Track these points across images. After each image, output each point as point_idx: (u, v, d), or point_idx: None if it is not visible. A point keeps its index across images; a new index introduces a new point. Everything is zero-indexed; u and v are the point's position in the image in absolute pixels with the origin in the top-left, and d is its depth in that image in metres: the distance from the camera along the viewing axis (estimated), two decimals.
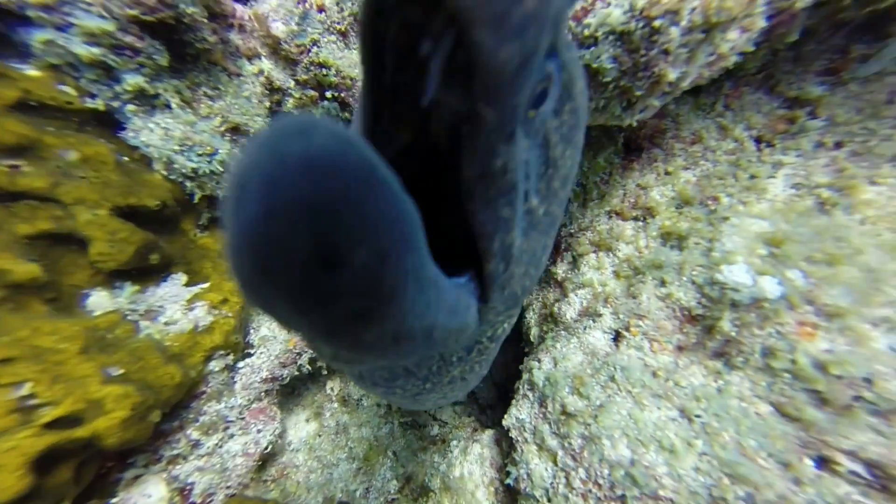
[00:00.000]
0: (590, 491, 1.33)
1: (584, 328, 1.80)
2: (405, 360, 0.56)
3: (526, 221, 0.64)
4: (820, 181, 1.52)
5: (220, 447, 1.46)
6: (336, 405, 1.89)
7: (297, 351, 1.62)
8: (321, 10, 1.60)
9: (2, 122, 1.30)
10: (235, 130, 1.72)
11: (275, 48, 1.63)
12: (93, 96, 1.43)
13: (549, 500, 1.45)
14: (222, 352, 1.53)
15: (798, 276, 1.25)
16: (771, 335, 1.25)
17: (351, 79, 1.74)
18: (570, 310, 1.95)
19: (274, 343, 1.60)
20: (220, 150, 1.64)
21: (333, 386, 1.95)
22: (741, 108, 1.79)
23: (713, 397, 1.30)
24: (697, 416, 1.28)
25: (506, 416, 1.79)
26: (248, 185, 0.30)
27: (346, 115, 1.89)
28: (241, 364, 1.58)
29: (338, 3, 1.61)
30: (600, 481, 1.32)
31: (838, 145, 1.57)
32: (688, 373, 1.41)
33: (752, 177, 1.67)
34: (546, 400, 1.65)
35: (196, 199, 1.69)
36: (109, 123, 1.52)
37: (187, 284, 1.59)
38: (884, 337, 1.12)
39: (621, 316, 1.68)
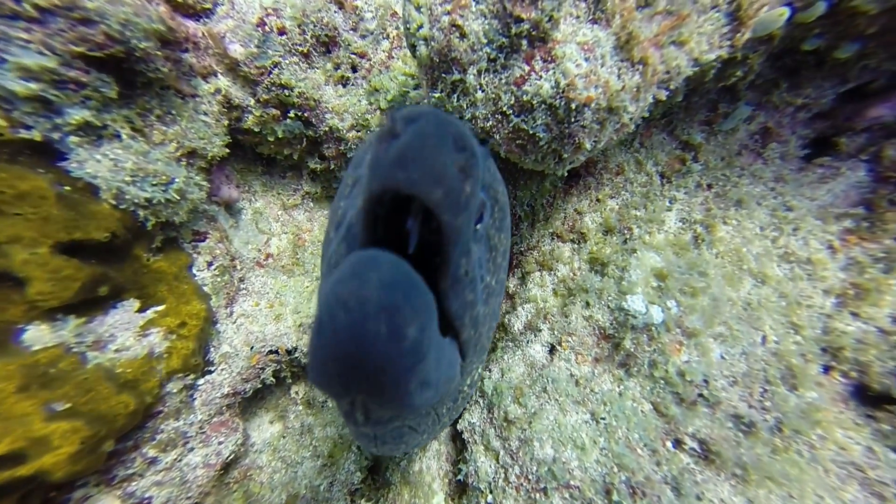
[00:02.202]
0: (521, 484, 1.57)
1: (527, 341, 2.02)
2: (424, 406, 0.71)
3: (485, 293, 0.90)
4: (696, 217, 1.85)
5: (180, 461, 1.47)
6: (301, 408, 1.94)
7: (259, 367, 1.64)
8: (282, 32, 1.59)
9: None
10: (192, 155, 1.65)
11: (232, 67, 1.60)
12: (28, 128, 1.33)
13: (490, 492, 1.67)
14: (180, 374, 1.52)
15: (673, 305, 1.57)
16: (655, 351, 1.56)
17: (314, 100, 1.76)
18: (517, 322, 2.18)
19: (236, 359, 1.61)
20: (176, 179, 1.56)
21: (298, 390, 1.97)
22: (651, 146, 2.05)
23: (615, 400, 1.60)
24: (602, 419, 1.57)
25: (460, 420, 1.99)
26: (345, 302, 0.50)
27: (310, 132, 1.90)
28: (200, 381, 1.57)
29: (300, 27, 1.62)
30: (530, 476, 1.56)
31: (710, 187, 1.91)
32: (601, 380, 1.70)
33: (655, 210, 1.96)
34: (493, 407, 1.85)
35: (149, 226, 1.62)
36: (47, 154, 1.41)
37: (140, 310, 1.52)
38: (718, 348, 1.47)
39: (556, 332, 1.92)
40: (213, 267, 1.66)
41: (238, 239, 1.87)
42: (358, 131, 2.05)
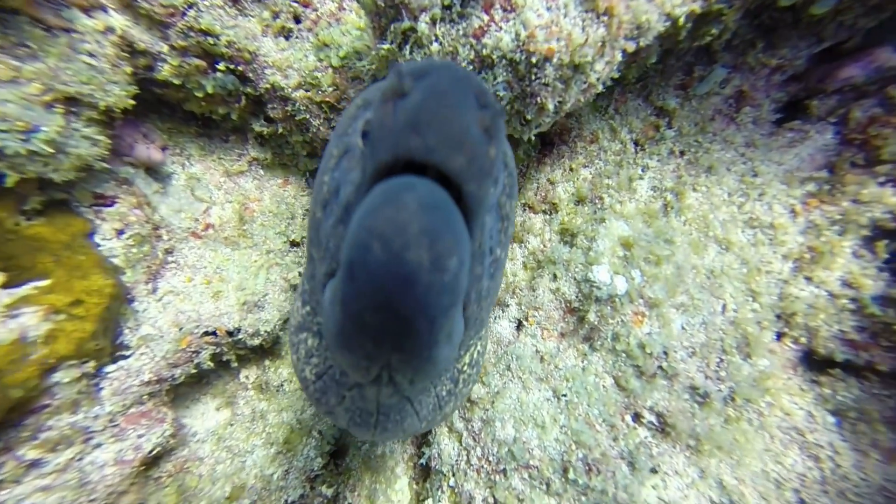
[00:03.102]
0: (482, 466, 1.62)
1: (496, 318, 2.05)
2: (442, 366, 0.68)
3: (493, 267, 0.87)
4: (667, 185, 1.88)
5: (79, 460, 1.34)
6: (252, 393, 1.88)
7: (192, 349, 1.55)
8: None
9: None
10: (73, 102, 1.39)
11: (128, 4, 1.40)
12: None
13: (453, 475, 1.72)
14: (74, 361, 1.35)
15: (637, 274, 1.61)
16: (618, 323, 1.61)
17: (250, 52, 1.61)
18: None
19: (160, 342, 1.50)
20: (42, 127, 1.31)
21: (248, 374, 1.90)
22: (626, 112, 2.03)
23: (578, 376, 1.66)
24: (563, 395, 1.62)
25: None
26: (381, 232, 0.46)
27: (249, 89, 1.76)
28: (109, 369, 1.44)
29: None
30: (490, 458, 1.61)
31: (682, 154, 1.92)
32: (565, 356, 1.75)
33: (630, 179, 1.98)
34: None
35: (8, 182, 1.36)
36: None
37: (6, 285, 1.29)
38: (680, 318, 1.54)
39: (523, 307, 1.95)
40: (124, 236, 1.52)
41: (166, 206, 1.74)
42: (307, 90, 1.91)
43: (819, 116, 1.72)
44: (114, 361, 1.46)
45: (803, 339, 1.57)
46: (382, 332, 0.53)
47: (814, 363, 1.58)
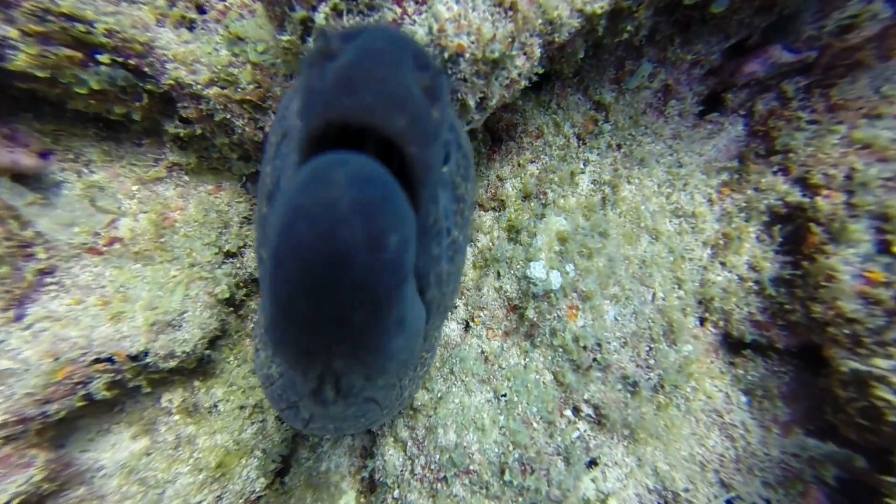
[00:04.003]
0: (425, 475, 1.63)
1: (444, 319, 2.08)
2: (397, 357, 0.64)
3: (452, 250, 0.87)
4: (605, 178, 2.00)
5: None
6: (177, 417, 1.79)
7: (76, 380, 1.44)
8: None
9: None
10: None
11: None
12: None
13: (398, 486, 1.73)
14: None
15: (571, 269, 1.70)
16: (554, 318, 1.70)
17: (141, 43, 1.52)
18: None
19: (24, 377, 1.37)
20: None
21: (172, 398, 1.81)
22: (567, 107, 2.12)
23: (519, 374, 1.72)
24: (503, 396, 1.68)
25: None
26: (306, 211, 0.42)
27: (150, 86, 1.66)
28: None
29: None
30: (433, 466, 1.62)
31: (619, 147, 2.06)
32: (509, 354, 1.80)
33: (572, 173, 2.08)
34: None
35: None
36: None
37: None
38: (612, 309, 1.65)
39: (469, 307, 2.00)
40: None
41: (50, 220, 1.60)
42: (222, 88, 1.84)
43: (733, 109, 1.90)
44: None
45: (721, 323, 1.72)
46: (317, 320, 0.50)
47: (731, 346, 1.74)
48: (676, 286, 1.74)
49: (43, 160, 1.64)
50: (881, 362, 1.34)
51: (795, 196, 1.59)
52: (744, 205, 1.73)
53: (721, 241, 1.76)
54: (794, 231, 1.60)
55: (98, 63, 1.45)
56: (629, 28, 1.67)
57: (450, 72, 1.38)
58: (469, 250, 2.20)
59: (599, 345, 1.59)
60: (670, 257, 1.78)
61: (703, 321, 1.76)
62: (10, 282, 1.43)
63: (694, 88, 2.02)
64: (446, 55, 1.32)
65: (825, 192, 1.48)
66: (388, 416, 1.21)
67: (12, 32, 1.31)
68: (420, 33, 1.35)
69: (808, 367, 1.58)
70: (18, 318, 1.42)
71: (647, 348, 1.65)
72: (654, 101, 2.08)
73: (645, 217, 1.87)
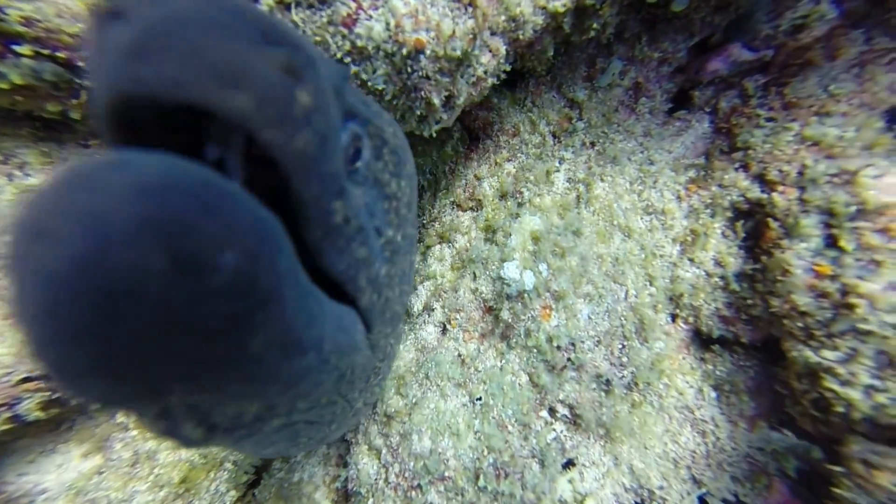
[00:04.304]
0: (399, 484, 1.60)
1: (422, 323, 2.05)
2: (300, 385, 0.54)
3: (388, 251, 0.80)
4: (580, 177, 2.01)
5: None
6: (134, 433, 1.70)
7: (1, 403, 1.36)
8: None
9: None
10: None
11: None
12: None
13: (372, 496, 1.69)
14: None
15: (544, 268, 1.70)
16: (528, 319, 1.69)
17: (70, 35, 1.40)
18: (417, 302, 2.17)
19: None
20: None
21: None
22: (542, 104, 2.13)
23: (496, 376, 1.71)
24: (479, 399, 1.66)
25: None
26: (60, 225, 0.29)
27: (87, 81, 1.56)
28: None
29: None
30: (407, 474, 1.59)
31: (592, 145, 2.07)
32: (485, 356, 1.79)
33: (548, 172, 2.08)
34: (377, 403, 1.86)
35: None
36: None
37: None
38: (586, 308, 1.66)
39: (446, 309, 1.98)
40: None
41: None
42: None
43: (699, 106, 1.95)
44: None
45: (691, 319, 1.77)
46: (121, 369, 0.36)
47: (701, 341, 1.79)
48: (648, 283, 1.77)
49: None
50: (829, 354, 1.39)
51: (755, 192, 1.64)
52: (709, 201, 1.78)
53: (689, 238, 1.80)
54: (754, 226, 1.66)
55: (18, 55, 1.34)
56: (595, 26, 1.69)
57: (411, 69, 1.35)
58: (447, 251, 2.19)
59: (573, 344, 1.60)
60: (642, 254, 1.81)
61: (674, 317, 1.80)
62: None
63: (663, 86, 2.06)
64: (405, 51, 1.29)
65: (780, 188, 1.53)
66: (338, 430, 1.14)
67: None
68: (377, 28, 1.32)
69: (770, 360, 1.64)
70: None
71: (620, 346, 1.68)
72: (626, 99, 2.11)
73: (617, 215, 1.89)
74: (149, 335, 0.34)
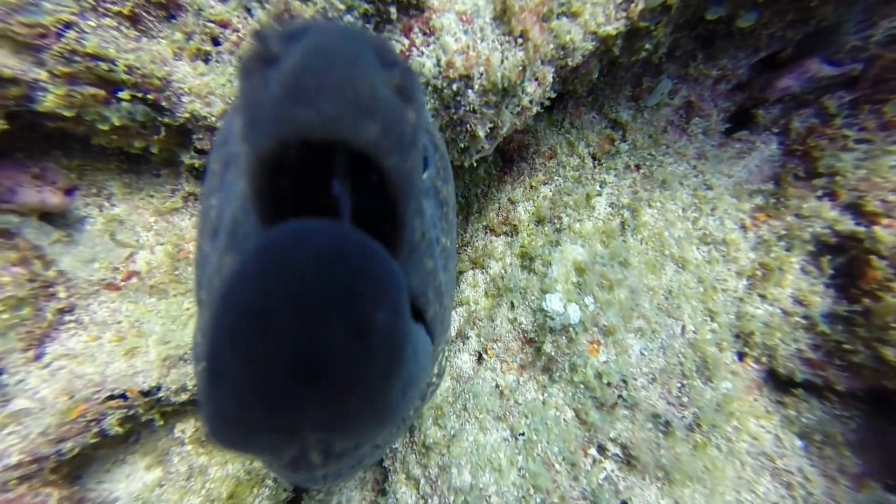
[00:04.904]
0: None
1: (457, 350, 2.01)
2: (402, 413, 0.55)
3: (443, 258, 0.80)
4: (624, 202, 1.90)
5: None
6: (189, 448, 1.79)
7: (89, 418, 1.46)
8: None
9: None
10: None
11: None
12: None
13: None
14: None
15: (590, 301, 1.61)
16: (574, 353, 1.60)
17: (160, 78, 1.55)
18: (450, 328, 2.17)
19: (39, 417, 1.39)
20: None
21: (185, 428, 1.82)
22: (581, 126, 2.06)
23: (538, 410, 1.62)
24: (521, 434, 1.58)
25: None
26: (262, 311, 0.35)
27: (167, 119, 1.71)
28: None
29: None
30: None
31: (638, 167, 1.96)
32: (525, 389, 1.72)
33: (588, 196, 1.99)
34: (415, 430, 1.82)
35: None
36: None
37: None
38: (637, 344, 1.53)
39: (482, 338, 1.93)
40: None
41: (72, 257, 1.65)
42: None
43: (765, 126, 1.77)
44: None
45: (764, 359, 1.58)
46: (290, 426, 0.41)
47: (778, 383, 1.58)
48: (708, 318, 1.61)
49: (68, 197, 1.70)
50: None
51: (847, 224, 1.44)
52: (783, 232, 1.59)
53: (759, 272, 1.63)
54: (847, 263, 1.45)
55: (119, 100, 1.50)
56: (647, 46, 1.61)
57: (459, 103, 1.35)
58: (481, 277, 2.14)
59: (625, 381, 1.49)
60: (700, 287, 1.66)
61: (742, 356, 1.62)
62: (32, 322, 1.47)
63: (719, 105, 1.91)
64: (455, 87, 1.29)
65: (885, 220, 1.33)
66: (386, 450, 1.11)
67: (42, 74, 1.37)
68: (428, 65, 1.33)
69: (881, 413, 1.41)
70: (38, 358, 1.46)
71: (679, 385, 1.53)
72: (676, 119, 1.98)
73: (669, 244, 1.75)
74: (328, 397, 0.39)
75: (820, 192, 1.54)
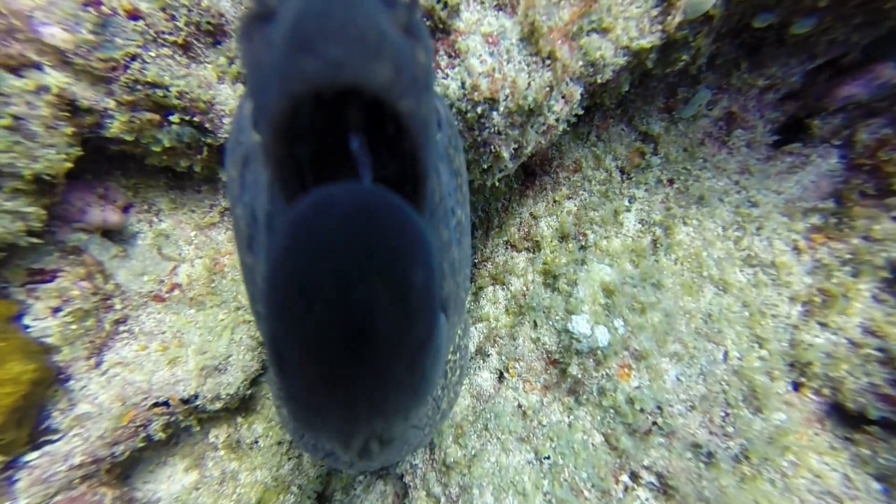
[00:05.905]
0: None
1: (477, 367, 1.96)
2: (433, 386, 0.54)
3: (458, 232, 0.76)
4: (655, 218, 1.77)
5: None
6: (222, 453, 1.85)
7: (138, 423, 1.54)
8: (134, 17, 1.41)
9: None
10: None
11: (64, 59, 1.41)
12: None
13: None
14: None
15: (620, 325, 1.51)
16: (603, 377, 1.50)
17: (204, 101, 1.63)
18: (469, 344, 2.12)
19: (98, 421, 1.47)
20: None
21: (218, 433, 1.88)
22: (609, 138, 1.95)
23: (564, 433, 1.54)
24: (546, 458, 1.50)
25: (400, 462, 1.94)
26: (306, 287, 0.34)
27: (209, 140, 1.79)
28: (30, 457, 1.41)
29: (165, 11, 1.45)
30: None
31: (671, 182, 1.84)
32: (549, 410, 1.64)
33: (615, 211, 1.85)
34: (435, 448, 1.78)
35: None
36: None
37: None
38: (673, 369, 1.41)
39: (503, 357, 1.86)
40: (61, 314, 1.52)
41: (126, 271, 1.77)
42: None
43: (822, 138, 1.60)
44: (36, 448, 1.44)
45: (826, 391, 1.40)
46: (350, 403, 0.40)
47: (844, 418, 1.40)
48: (756, 345, 1.46)
49: (125, 214, 1.82)
50: None
51: None
52: (848, 256, 1.42)
53: (817, 298, 1.45)
54: None
55: (171, 123, 1.59)
56: (684, 57, 1.50)
57: (483, 125, 1.31)
58: (501, 293, 2.06)
59: (660, 408, 1.37)
60: (745, 312, 1.51)
61: (798, 386, 1.45)
62: (94, 332, 1.58)
63: (766, 115, 1.75)
64: (479, 109, 1.26)
65: None
66: (430, 433, 1.09)
67: (111, 103, 1.48)
68: (453, 87, 1.31)
69: None
70: (97, 366, 1.56)
71: (723, 414, 1.39)
72: (715, 131, 1.84)
73: (708, 265, 1.61)
74: (380, 369, 0.38)
75: (895, 213, 1.35)
